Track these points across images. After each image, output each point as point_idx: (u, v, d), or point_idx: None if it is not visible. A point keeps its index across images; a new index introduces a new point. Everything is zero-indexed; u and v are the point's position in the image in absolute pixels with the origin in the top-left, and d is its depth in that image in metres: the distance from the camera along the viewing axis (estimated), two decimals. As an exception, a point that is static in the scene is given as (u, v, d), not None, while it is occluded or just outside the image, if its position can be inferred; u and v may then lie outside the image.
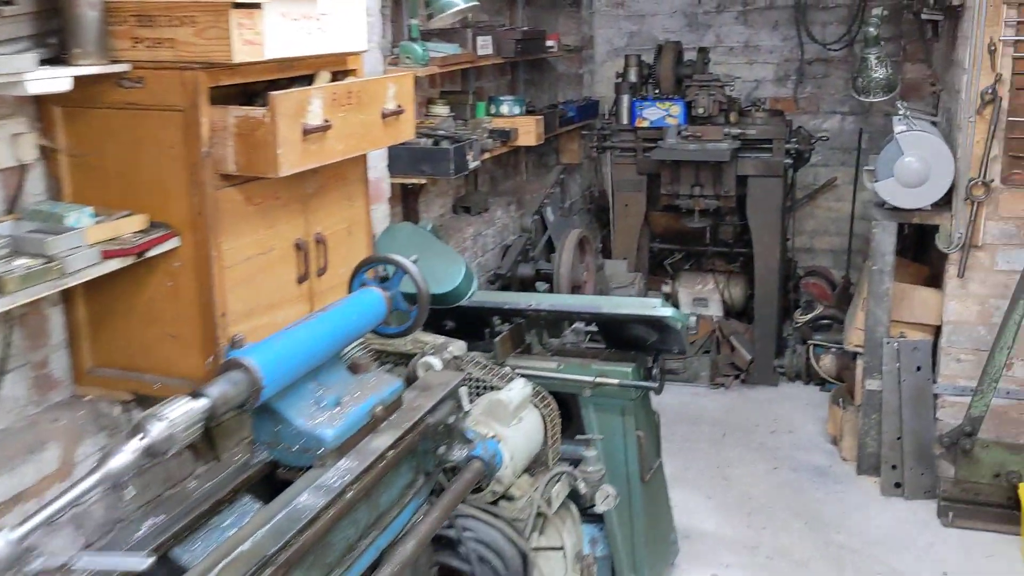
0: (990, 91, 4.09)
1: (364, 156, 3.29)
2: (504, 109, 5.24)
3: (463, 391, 2.66)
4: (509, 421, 2.88)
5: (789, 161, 5.73)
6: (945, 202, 4.32)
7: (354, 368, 2.43)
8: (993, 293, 4.35)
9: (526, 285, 4.84)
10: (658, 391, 3.57)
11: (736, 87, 6.91)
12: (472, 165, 4.35)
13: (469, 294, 3.61)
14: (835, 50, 6.59)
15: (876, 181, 4.29)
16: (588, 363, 3.59)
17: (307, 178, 2.90)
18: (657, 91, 6.07)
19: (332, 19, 2.88)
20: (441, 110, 4.87)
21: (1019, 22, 4.03)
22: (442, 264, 3.61)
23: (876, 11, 4.53)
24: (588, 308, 3.56)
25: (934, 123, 4.52)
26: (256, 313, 2.61)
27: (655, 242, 6.65)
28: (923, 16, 4.61)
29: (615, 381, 3.48)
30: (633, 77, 6.19)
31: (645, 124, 5.92)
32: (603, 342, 3.80)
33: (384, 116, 2.96)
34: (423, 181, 4.26)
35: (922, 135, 4.22)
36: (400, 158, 4.12)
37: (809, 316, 6.29)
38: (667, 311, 3.46)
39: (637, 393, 3.54)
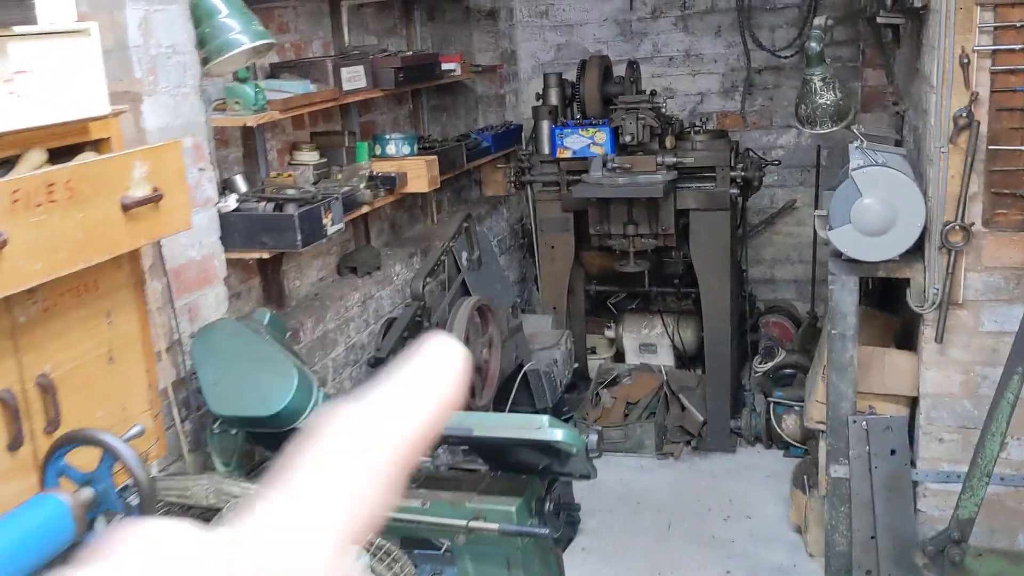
0: (965, 114, 3.28)
1: (136, 252, 2.45)
2: (391, 149, 4.40)
3: None
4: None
5: (735, 191, 4.92)
6: (916, 251, 3.51)
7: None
8: (979, 359, 3.54)
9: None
10: (555, 536, 2.73)
11: (677, 102, 6.11)
12: (333, 230, 3.50)
13: (307, 411, 2.76)
14: (786, 57, 5.78)
15: (830, 229, 3.47)
16: (463, 499, 2.75)
17: (15, 303, 2.05)
18: (580, 116, 5.25)
19: (40, 79, 2.02)
20: (307, 157, 4.03)
21: (996, 28, 3.22)
22: (269, 375, 2.77)
23: (818, 21, 3.70)
24: (455, 430, 2.72)
25: (899, 149, 3.69)
26: None
27: (592, 284, 5.82)
28: (879, 21, 3.80)
29: (494, 526, 2.64)
30: (554, 99, 5.36)
31: (567, 155, 5.08)
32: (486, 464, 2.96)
33: (127, 208, 2.11)
34: (265, 255, 3.41)
35: (883, 172, 3.40)
36: (234, 229, 3.27)
37: (769, 365, 5.48)
38: (556, 432, 2.61)
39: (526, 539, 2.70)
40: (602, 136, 5.01)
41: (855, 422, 3.70)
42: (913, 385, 3.71)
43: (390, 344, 3.79)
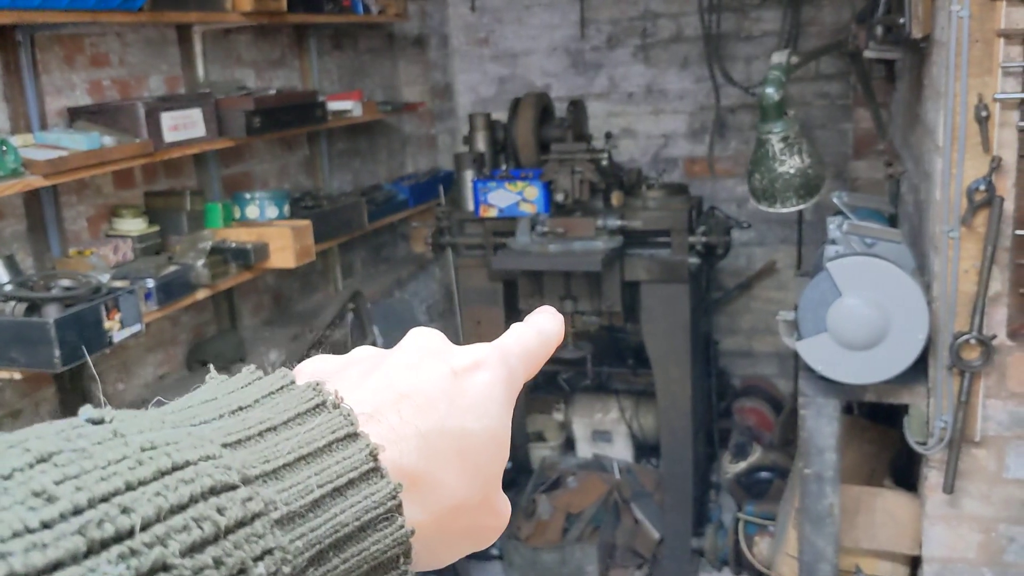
0: (983, 186, 2.36)
1: None
2: (251, 212, 3.48)
3: None
4: None
5: (695, 260, 3.99)
6: (917, 369, 2.58)
7: None
8: (1004, 515, 2.60)
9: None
10: None
11: (638, 145, 5.22)
12: (124, 334, 2.58)
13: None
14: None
15: (799, 339, 2.54)
16: None
17: None
18: (514, 165, 4.34)
19: None
20: (130, 225, 3.12)
21: (1029, 68, 2.30)
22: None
23: (777, 58, 2.77)
24: None
25: (895, 231, 2.75)
26: None
27: (532, 362, 4.88)
28: (868, 55, 2.88)
29: None
30: (481, 144, 4.45)
31: (492, 213, 4.17)
32: None
33: None
34: (17, 375, 2.48)
35: (871, 263, 2.48)
36: (-27, 339, 2.35)
37: (742, 466, 4.54)
38: None
39: None
40: (533, 191, 4.10)
41: (836, 592, 2.76)
42: (914, 540, 2.77)
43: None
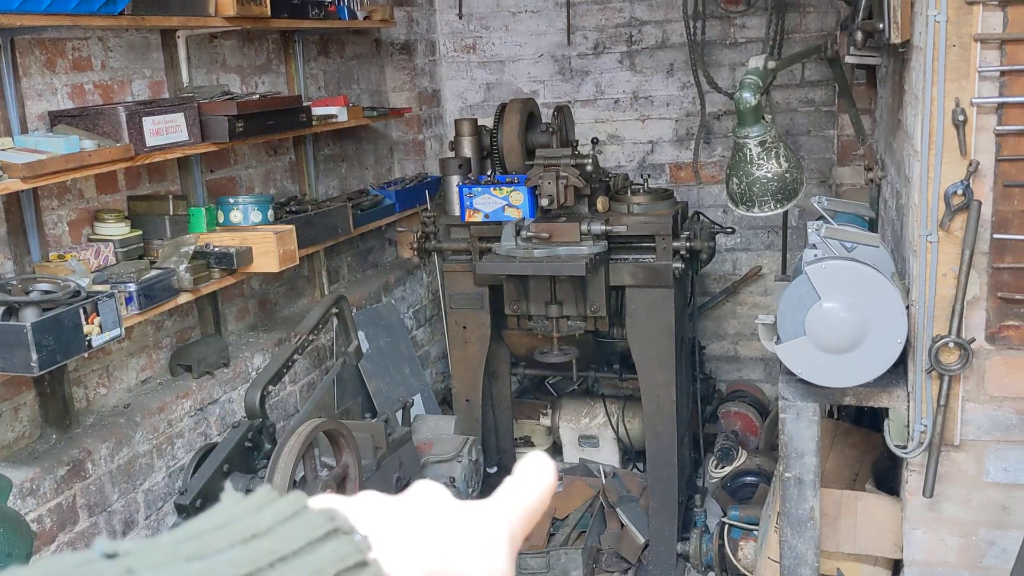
0: (961, 190, 2.37)
1: None
2: (235, 216, 3.48)
3: None
4: None
5: (680, 265, 4.00)
6: (896, 373, 2.59)
7: None
8: (984, 519, 2.61)
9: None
10: None
11: (624, 151, 5.23)
12: (103, 338, 2.58)
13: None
14: (749, 100, 4.88)
15: (778, 343, 2.55)
16: None
17: None
18: (500, 170, 4.35)
19: None
20: (112, 230, 3.12)
21: (1004, 72, 2.32)
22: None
23: (754, 62, 2.78)
24: None
25: (873, 235, 2.76)
26: None
27: (519, 367, 4.90)
28: (849, 61, 2.89)
29: None
30: (467, 150, 4.45)
31: (478, 218, 4.17)
32: None
33: None
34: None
35: (849, 267, 2.49)
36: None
37: (727, 471, 4.55)
38: None
39: None
40: (518, 196, 4.10)
41: (817, 596, 2.76)
42: (895, 544, 2.78)
43: (200, 483, 2.84)
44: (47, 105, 2.95)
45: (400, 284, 5.08)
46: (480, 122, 4.55)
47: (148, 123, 2.92)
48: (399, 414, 3.83)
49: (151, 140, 2.93)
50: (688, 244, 3.98)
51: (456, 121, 4.52)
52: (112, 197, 3.27)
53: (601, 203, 4.12)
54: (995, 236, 2.40)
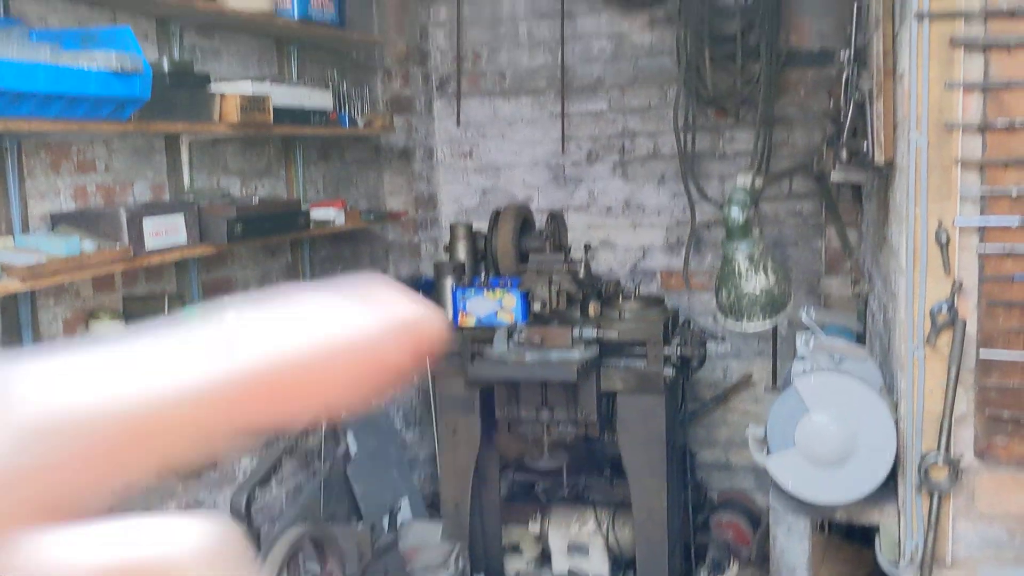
0: (945, 308, 2.42)
1: None
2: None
3: None
4: None
5: (671, 372, 4.02)
6: (887, 488, 2.58)
7: None
8: (978, 641, 2.56)
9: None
10: None
11: (616, 256, 5.31)
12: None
13: None
14: (738, 211, 4.99)
15: (768, 454, 2.55)
16: None
17: None
18: (487, 275, 4.40)
19: None
20: (105, 330, 3.12)
21: (985, 197, 2.39)
22: None
23: (741, 180, 2.88)
24: None
25: (861, 348, 2.80)
26: None
27: (508, 471, 4.85)
28: (834, 179, 2.98)
29: None
30: (462, 254, 4.52)
31: (470, 322, 4.20)
32: None
33: None
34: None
35: (838, 380, 2.51)
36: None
37: (718, 583, 4.47)
38: None
39: None
40: (511, 300, 4.14)
41: None
42: (889, 665, 2.72)
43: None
44: (49, 206, 3.00)
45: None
46: (475, 226, 4.64)
47: (148, 225, 2.97)
48: (385, 519, 3.79)
49: (150, 242, 2.98)
50: (679, 351, 4.00)
51: (452, 226, 4.60)
52: (108, 296, 3.29)
53: (593, 308, 4.16)
54: (982, 354, 2.43)
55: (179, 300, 3.41)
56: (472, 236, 4.56)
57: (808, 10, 4.85)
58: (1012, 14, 2.36)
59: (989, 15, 2.37)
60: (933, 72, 2.40)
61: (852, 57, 2.87)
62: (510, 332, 4.01)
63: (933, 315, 2.42)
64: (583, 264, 4.11)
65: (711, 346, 4.97)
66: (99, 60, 2.64)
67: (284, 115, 3.74)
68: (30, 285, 2.52)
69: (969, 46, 2.38)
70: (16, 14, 2.86)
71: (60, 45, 2.70)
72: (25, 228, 2.86)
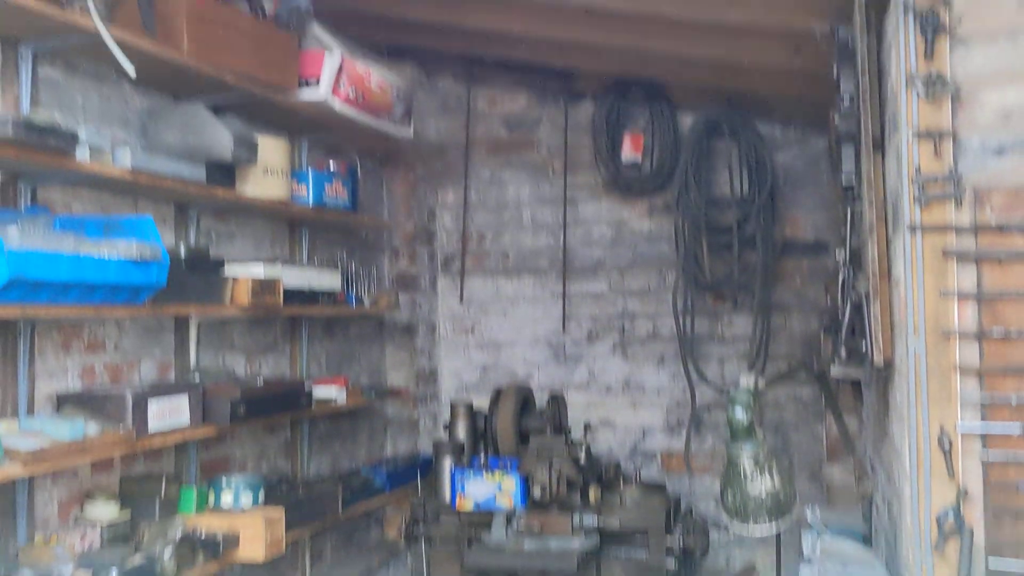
0: (951, 516, 2.40)
1: None
2: (226, 499, 3.46)
3: None
4: None
5: (673, 563, 3.92)
6: None
7: None
8: None
9: None
10: None
11: (616, 436, 5.30)
12: (78, 634, 2.48)
13: None
14: (738, 394, 5.01)
15: (778, 666, 2.46)
16: None
17: None
18: (486, 455, 4.37)
19: None
20: (101, 512, 3.08)
21: (986, 404, 2.42)
22: None
23: (744, 381, 2.93)
24: None
25: (867, 552, 2.76)
26: None
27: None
28: (833, 375, 3.03)
29: None
30: (462, 433, 4.51)
31: (468, 506, 4.13)
32: None
33: None
34: None
35: (847, 588, 2.46)
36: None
37: None
38: None
39: None
40: (510, 484, 4.09)
41: None
42: None
43: None
44: (56, 386, 3.02)
45: (384, 567, 4.94)
46: (475, 403, 4.64)
47: (153, 407, 2.98)
48: None
49: (153, 423, 2.98)
50: (681, 541, 3.93)
51: (452, 403, 4.61)
52: (106, 477, 3.26)
53: (593, 494, 4.10)
54: (990, 563, 2.39)
55: (176, 482, 3.37)
56: (472, 415, 4.56)
57: (802, 204, 5.05)
58: (1000, 229, 2.46)
59: (979, 229, 2.47)
60: (928, 281, 2.48)
61: (848, 259, 2.97)
62: (509, 518, 3.95)
63: (940, 522, 2.40)
64: (584, 448, 4.09)
65: (713, 535, 4.87)
66: (120, 249, 2.72)
67: (293, 296, 3.82)
68: (31, 470, 2.51)
69: (961, 258, 2.47)
70: (43, 202, 2.98)
71: (83, 232, 2.79)
72: (31, 409, 2.87)
